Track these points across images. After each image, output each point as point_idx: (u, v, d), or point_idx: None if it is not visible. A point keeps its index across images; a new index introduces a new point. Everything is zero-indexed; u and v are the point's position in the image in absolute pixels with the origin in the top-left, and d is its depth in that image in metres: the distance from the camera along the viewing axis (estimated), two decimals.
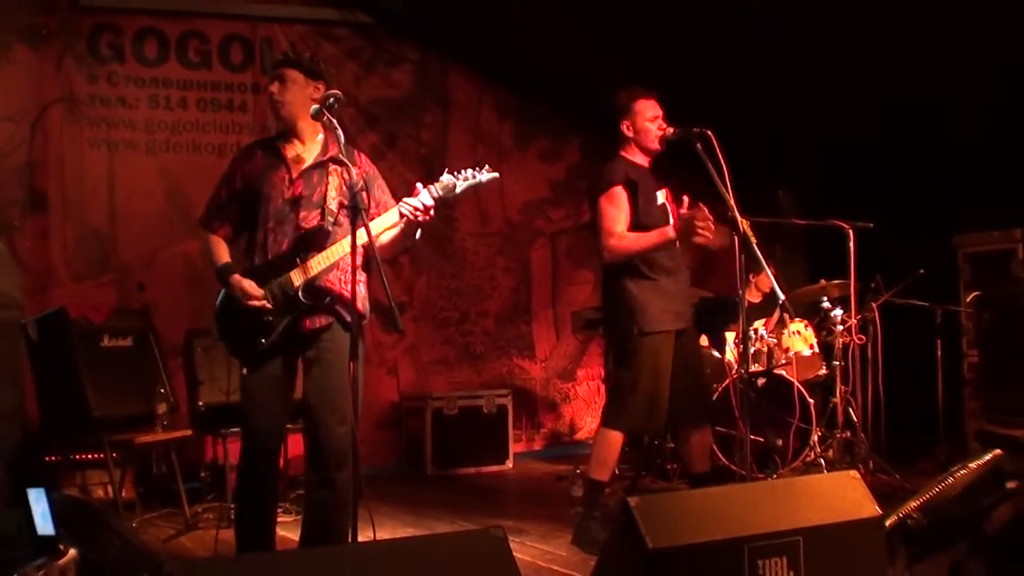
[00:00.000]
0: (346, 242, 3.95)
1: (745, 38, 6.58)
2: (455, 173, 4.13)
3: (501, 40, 7.95)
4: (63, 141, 7.37)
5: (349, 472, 4.07)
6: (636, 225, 5.08)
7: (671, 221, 5.10)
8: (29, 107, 7.27)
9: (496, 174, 4.19)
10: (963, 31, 5.93)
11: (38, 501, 2.94)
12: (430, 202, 4.06)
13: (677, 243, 4.96)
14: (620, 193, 5.08)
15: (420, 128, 8.54)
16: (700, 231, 4.75)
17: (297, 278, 4.11)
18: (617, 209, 5.07)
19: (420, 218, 4.07)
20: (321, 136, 4.31)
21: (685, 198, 4.98)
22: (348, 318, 4.02)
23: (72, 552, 2.88)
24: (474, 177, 4.14)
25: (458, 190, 4.12)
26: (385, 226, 4.15)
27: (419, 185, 4.10)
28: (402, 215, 4.09)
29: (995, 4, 5.69)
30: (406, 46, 8.47)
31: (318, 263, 4.11)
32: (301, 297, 4.11)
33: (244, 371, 4.19)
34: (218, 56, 7.86)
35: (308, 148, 4.30)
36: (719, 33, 6.62)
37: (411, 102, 8.52)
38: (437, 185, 4.09)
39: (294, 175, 4.23)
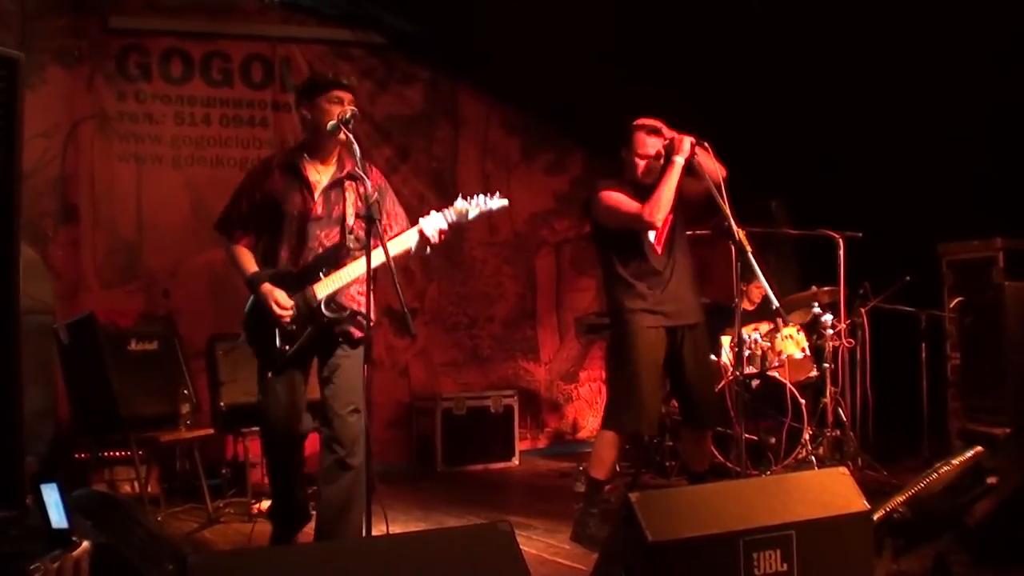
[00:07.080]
0: (364, 261, 3.97)
1: (740, 55, 6.58)
2: (468, 198, 4.20)
3: (507, 60, 7.94)
4: (94, 156, 7.38)
5: (362, 460, 4.10)
6: (606, 229, 5.09)
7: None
8: (62, 124, 7.28)
9: (505, 201, 4.26)
10: (949, 48, 5.92)
11: (51, 495, 2.93)
12: (444, 226, 4.18)
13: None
14: (610, 191, 5.01)
15: (431, 143, 8.54)
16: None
17: (320, 291, 4.16)
18: (618, 196, 4.98)
19: (435, 240, 4.18)
20: (337, 153, 4.32)
21: None
22: (363, 331, 4.07)
23: (85, 544, 2.86)
24: (485, 204, 4.22)
25: (470, 216, 4.22)
26: (404, 247, 4.22)
27: (434, 212, 4.19)
28: (421, 234, 4.17)
29: (977, 23, 5.68)
30: (418, 66, 8.47)
31: (339, 278, 4.17)
32: (323, 310, 4.16)
33: (268, 375, 4.24)
34: (240, 75, 7.87)
35: (327, 166, 4.31)
36: (714, 50, 6.62)
37: (423, 118, 8.52)
38: (451, 210, 4.20)
39: (315, 194, 4.26)
